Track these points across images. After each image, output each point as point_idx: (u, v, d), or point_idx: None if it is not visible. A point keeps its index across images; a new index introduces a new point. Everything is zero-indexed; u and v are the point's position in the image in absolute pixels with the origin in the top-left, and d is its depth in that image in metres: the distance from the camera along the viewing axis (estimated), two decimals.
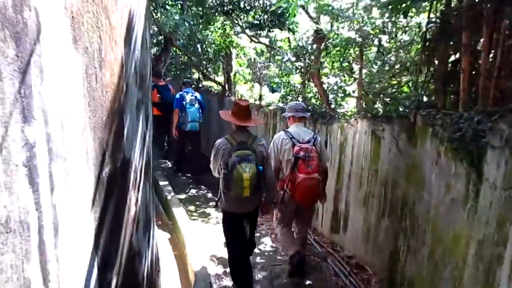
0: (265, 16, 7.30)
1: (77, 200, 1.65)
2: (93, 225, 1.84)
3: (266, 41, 8.55)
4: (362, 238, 4.27)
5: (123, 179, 2.22)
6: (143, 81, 2.55)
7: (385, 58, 4.96)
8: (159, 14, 10.31)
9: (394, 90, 4.81)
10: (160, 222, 5.47)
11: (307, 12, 6.34)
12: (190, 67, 11.90)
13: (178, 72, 13.42)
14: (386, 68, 4.99)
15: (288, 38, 5.93)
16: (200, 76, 10.90)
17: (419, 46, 4.95)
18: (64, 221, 1.54)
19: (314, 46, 5.57)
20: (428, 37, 3.43)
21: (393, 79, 4.87)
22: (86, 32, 1.69)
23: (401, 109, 4.03)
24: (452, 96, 3.40)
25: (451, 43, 3.12)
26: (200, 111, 7.11)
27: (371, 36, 4.91)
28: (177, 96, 7.11)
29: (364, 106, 4.52)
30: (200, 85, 9.70)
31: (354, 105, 5.98)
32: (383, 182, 3.93)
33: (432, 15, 3.40)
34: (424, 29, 3.67)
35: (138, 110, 2.45)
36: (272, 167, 3.60)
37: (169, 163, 8.02)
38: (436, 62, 3.53)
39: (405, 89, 4.73)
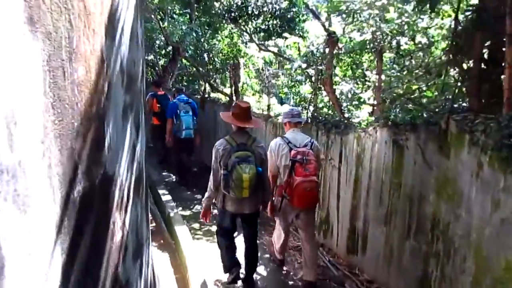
0: (274, 22, 6.97)
1: (34, 228, 1.27)
2: (60, 258, 1.45)
3: (275, 49, 8.24)
4: (383, 260, 3.83)
5: (103, 199, 1.84)
6: (132, 82, 2.18)
7: (405, 61, 4.56)
8: (166, 24, 10.11)
9: (415, 96, 4.40)
10: (162, 241, 5.07)
11: (315, 15, 6.00)
12: (198, 79, 11.65)
13: (186, 84, 13.19)
14: (405, 72, 4.59)
15: (298, 43, 5.57)
16: (207, 87, 10.65)
17: (445, 45, 4.57)
18: (13, 257, 1.15)
19: (327, 50, 5.20)
20: (458, 30, 3.04)
21: (414, 83, 4.46)
22: (49, 13, 1.32)
23: (425, 115, 3.62)
24: (488, 98, 2.99)
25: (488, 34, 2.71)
26: (195, 118, 7.06)
27: (389, 37, 4.53)
28: (170, 104, 7.10)
29: (383, 113, 4.11)
30: (206, 96, 9.37)
31: (368, 114, 5.59)
32: (407, 198, 3.51)
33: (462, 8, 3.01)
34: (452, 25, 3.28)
35: (125, 116, 2.08)
36: (267, 171, 3.65)
37: (173, 176, 7.63)
38: (467, 59, 3.14)
39: (428, 93, 4.32)
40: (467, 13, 2.87)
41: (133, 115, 2.21)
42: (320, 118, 5.02)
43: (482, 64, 2.91)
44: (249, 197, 3.31)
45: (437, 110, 3.25)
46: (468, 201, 2.53)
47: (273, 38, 6.97)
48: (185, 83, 13.34)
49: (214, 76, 10.37)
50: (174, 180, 7.50)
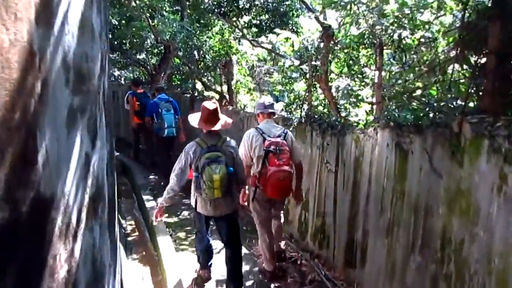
0: (266, 16, 6.56)
1: None
2: None
3: (269, 46, 7.84)
4: (385, 275, 3.46)
5: (36, 229, 1.45)
6: (83, 80, 1.79)
7: (406, 57, 4.18)
8: (155, 21, 9.68)
9: (417, 94, 4.02)
10: (144, 253, 4.68)
11: (309, 8, 5.61)
12: (191, 77, 11.24)
13: (179, 83, 12.76)
14: (406, 68, 4.20)
15: (290, 38, 5.16)
16: (200, 86, 10.24)
17: (447, 41, 4.20)
18: None
19: (321, 44, 4.81)
20: (469, 21, 2.66)
21: (417, 80, 4.09)
22: None
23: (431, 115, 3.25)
24: (502, 97, 2.62)
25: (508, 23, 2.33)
26: (176, 116, 7.00)
27: (389, 31, 4.15)
28: (151, 103, 7.11)
29: (384, 112, 3.73)
30: (196, 95, 8.99)
31: (366, 112, 5.22)
32: (412, 208, 3.15)
33: None
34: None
35: (73, 123, 1.68)
36: (242, 166, 3.63)
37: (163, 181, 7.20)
38: (478, 54, 2.76)
39: (432, 91, 3.94)
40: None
41: (85, 120, 1.82)
42: (315, 117, 4.64)
43: (498, 59, 2.53)
44: (222, 197, 3.31)
45: (446, 110, 2.87)
46: (488, 219, 2.16)
47: (265, 33, 6.57)
48: (178, 82, 12.91)
49: (206, 74, 9.98)
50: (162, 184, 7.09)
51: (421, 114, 3.36)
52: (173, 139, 6.98)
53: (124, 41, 11.06)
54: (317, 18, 4.78)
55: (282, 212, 4.19)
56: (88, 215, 1.87)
